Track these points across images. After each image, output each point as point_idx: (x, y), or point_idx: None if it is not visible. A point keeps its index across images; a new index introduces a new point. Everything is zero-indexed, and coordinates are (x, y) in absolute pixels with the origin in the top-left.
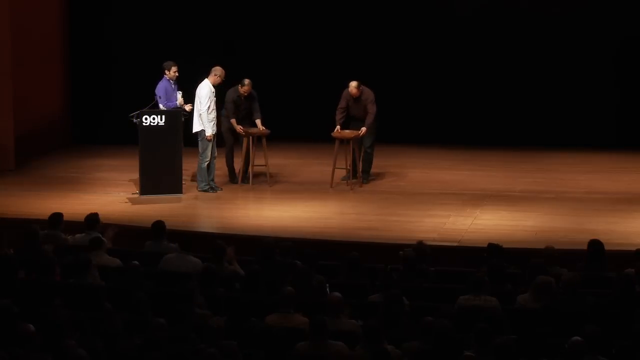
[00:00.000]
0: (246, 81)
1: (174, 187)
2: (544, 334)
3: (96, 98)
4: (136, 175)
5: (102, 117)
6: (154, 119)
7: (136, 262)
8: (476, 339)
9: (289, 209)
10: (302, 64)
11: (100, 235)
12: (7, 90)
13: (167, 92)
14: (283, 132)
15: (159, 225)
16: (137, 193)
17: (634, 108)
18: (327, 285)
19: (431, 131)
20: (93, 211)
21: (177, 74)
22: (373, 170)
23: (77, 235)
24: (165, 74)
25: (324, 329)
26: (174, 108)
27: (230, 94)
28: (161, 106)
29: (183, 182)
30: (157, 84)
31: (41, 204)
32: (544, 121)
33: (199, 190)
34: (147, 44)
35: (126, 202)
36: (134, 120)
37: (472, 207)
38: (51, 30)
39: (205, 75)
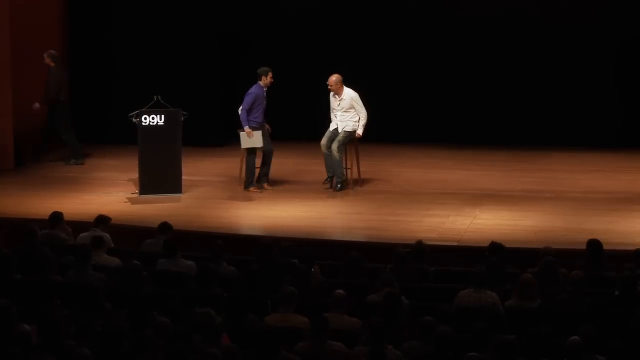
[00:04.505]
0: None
1: (174, 186)
2: (544, 333)
3: (96, 98)
4: (136, 175)
5: (101, 117)
6: (153, 118)
7: (137, 262)
8: (475, 339)
9: (289, 209)
10: (301, 64)
11: (103, 236)
12: (6, 90)
13: (256, 99)
14: (282, 132)
15: (165, 225)
16: (136, 192)
17: (633, 108)
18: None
19: (430, 131)
20: (92, 211)
21: (272, 80)
22: (371, 168)
23: (82, 234)
24: (261, 80)
25: (325, 329)
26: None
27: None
28: (239, 111)
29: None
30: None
31: (40, 203)
32: (544, 121)
33: (340, 187)
34: (147, 44)
35: (126, 202)
36: (134, 119)
37: (472, 206)
38: (51, 30)
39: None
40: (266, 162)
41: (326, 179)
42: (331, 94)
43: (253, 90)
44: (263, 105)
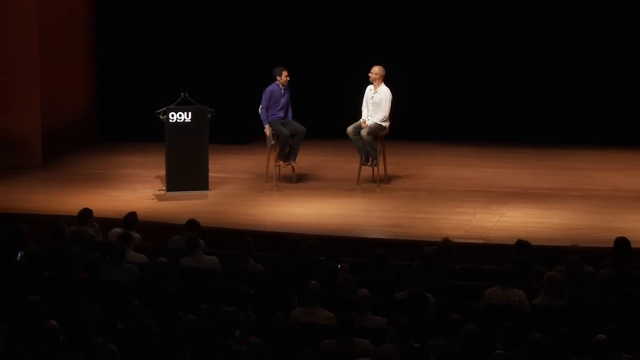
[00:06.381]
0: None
1: (201, 183)
2: (571, 332)
3: (123, 95)
4: (162, 172)
5: (128, 114)
6: (180, 115)
7: (163, 259)
8: (503, 337)
9: (315, 206)
10: (325, 61)
11: (131, 233)
12: (34, 88)
13: (272, 96)
14: (308, 129)
15: (193, 222)
16: (163, 189)
17: None
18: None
19: (457, 128)
20: (119, 207)
21: (288, 78)
22: (398, 166)
23: (115, 229)
24: (277, 80)
25: (350, 327)
26: (271, 117)
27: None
28: (260, 110)
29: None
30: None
31: (68, 200)
32: (571, 118)
33: (375, 162)
34: (175, 41)
35: (153, 199)
36: (160, 116)
37: (499, 204)
38: (78, 28)
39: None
40: (296, 140)
41: (363, 161)
42: (369, 87)
43: (268, 87)
44: (282, 102)
